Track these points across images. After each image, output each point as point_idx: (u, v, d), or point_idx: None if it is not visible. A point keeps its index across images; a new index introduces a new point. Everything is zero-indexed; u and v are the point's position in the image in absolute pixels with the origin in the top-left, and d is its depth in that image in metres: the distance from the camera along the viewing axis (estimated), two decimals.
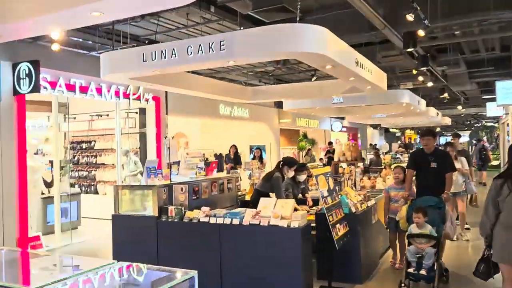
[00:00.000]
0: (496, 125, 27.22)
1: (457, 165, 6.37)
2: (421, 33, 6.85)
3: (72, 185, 10.97)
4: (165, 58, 4.91)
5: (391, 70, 12.12)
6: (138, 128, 10.38)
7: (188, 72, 9.77)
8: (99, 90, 8.57)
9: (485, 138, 26.84)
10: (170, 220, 5.14)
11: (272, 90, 8.40)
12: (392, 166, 10.73)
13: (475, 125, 29.28)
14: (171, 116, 10.86)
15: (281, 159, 6.26)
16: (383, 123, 20.26)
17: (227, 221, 4.81)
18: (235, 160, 9.87)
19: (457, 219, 7.61)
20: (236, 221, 4.77)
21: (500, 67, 13.08)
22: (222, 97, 8.07)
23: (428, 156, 5.21)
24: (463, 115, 21.76)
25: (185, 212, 5.17)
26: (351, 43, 6.99)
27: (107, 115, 10.57)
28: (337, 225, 4.89)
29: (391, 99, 9.50)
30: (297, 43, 4.35)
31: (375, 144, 22.71)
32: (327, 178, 5.15)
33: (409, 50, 7.71)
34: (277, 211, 4.64)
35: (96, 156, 10.94)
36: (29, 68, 6.97)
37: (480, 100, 19.25)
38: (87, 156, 11.11)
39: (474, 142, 24.09)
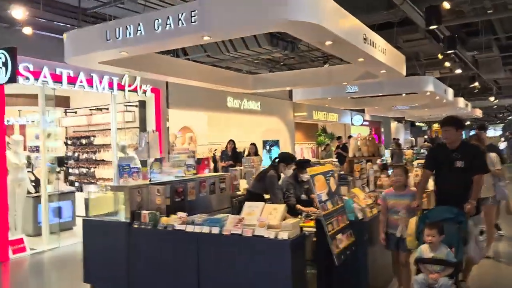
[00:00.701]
0: None
1: None
2: (446, 5, 5.83)
3: (72, 183, 10.52)
4: (130, 35, 4.14)
5: (415, 57, 11.03)
6: (137, 123, 9.75)
7: (187, 59, 9.09)
8: (89, 81, 7.93)
9: None
10: (143, 226, 4.40)
11: (275, 78, 7.55)
12: (415, 163, 9.72)
13: (509, 117, 27.37)
14: (173, 109, 10.16)
15: (277, 155, 5.39)
16: (407, 116, 18.99)
17: (206, 229, 4.03)
18: (233, 157, 9.00)
19: (498, 229, 6.61)
20: (215, 230, 3.98)
21: None
22: (219, 86, 7.28)
23: (453, 152, 4.04)
24: (495, 106, 20.19)
25: (160, 217, 4.42)
26: (367, 24, 6.12)
27: (107, 109, 9.99)
28: (339, 236, 4.02)
29: (413, 87, 8.45)
30: (286, 10, 3.48)
31: (398, 139, 21.52)
32: (327, 178, 4.28)
33: (432, 27, 6.68)
34: (264, 219, 3.82)
35: (95, 153, 10.37)
36: (5, 56, 6.37)
37: None
38: (87, 153, 10.56)
39: (507, 135, 22.46)
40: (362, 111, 18.04)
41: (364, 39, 4.73)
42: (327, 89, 9.01)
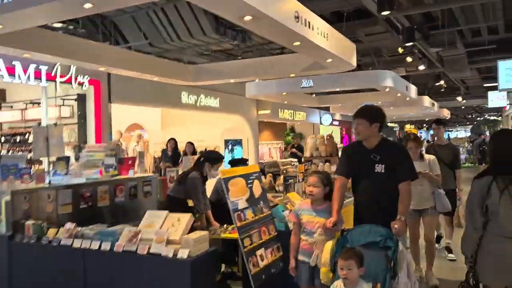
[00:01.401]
0: (499, 118, 25.48)
1: (422, 167, 4.20)
2: None
3: None
4: None
5: (377, 53, 10.51)
6: (76, 118, 8.86)
7: (128, 48, 8.25)
8: (10, 70, 7.02)
9: (487, 133, 25.08)
10: (25, 241, 3.59)
11: (218, 68, 6.84)
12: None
13: (477, 118, 27.49)
14: (117, 104, 9.28)
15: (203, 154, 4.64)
16: None
17: (95, 244, 3.26)
18: (173, 157, 8.13)
19: (437, 240, 5.49)
20: (106, 245, 3.22)
21: (503, 50, 11.44)
22: (156, 77, 6.50)
23: (371, 153, 3.07)
24: (463, 107, 20.07)
25: (47, 229, 3.62)
26: (318, 13, 5.50)
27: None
28: (260, 251, 3.32)
29: (370, 81, 7.88)
30: None
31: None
32: (250, 181, 3.58)
33: (385, 13, 6.09)
34: (162, 232, 3.09)
35: (31, 151, 9.40)
36: None
37: (482, 90, 17.55)
38: (22, 151, 9.57)
39: (472, 136, 22.45)
40: (326, 109, 17.47)
41: (296, 17, 4.06)
42: (282, 84, 8.36)
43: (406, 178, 3.03)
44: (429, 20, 9.71)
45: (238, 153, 14.46)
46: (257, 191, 3.62)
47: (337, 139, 24.95)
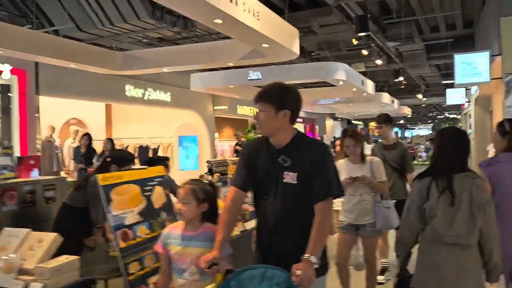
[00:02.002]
0: (458, 117, 25.85)
1: (362, 171, 3.44)
2: None
3: None
4: None
5: (334, 46, 10.01)
6: None
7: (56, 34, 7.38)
8: None
9: None
10: None
11: (148, 55, 6.11)
12: None
13: (438, 117, 27.85)
14: (48, 96, 8.35)
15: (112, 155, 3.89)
16: (338, 112, 18.31)
17: None
18: (87, 156, 6.99)
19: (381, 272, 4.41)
20: None
21: (461, 46, 11.24)
22: (80, 65, 5.69)
23: (279, 154, 2.09)
24: (424, 105, 20.08)
25: None
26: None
27: None
28: (153, 278, 2.65)
29: (321, 74, 7.31)
30: None
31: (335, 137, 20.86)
32: (148, 188, 2.89)
33: None
34: (15, 258, 2.35)
35: None
36: None
37: (441, 88, 17.53)
38: None
39: (429, 136, 22.62)
40: None
41: None
42: (228, 76, 7.71)
43: (323, 196, 1.97)
44: (386, 13, 9.30)
45: (193, 151, 13.70)
46: (158, 200, 2.94)
47: None
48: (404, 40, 9.33)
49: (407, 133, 48.32)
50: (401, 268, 2.52)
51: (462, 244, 2.24)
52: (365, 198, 3.48)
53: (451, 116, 26.56)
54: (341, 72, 7.16)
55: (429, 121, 36.54)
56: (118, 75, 8.22)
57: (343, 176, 3.31)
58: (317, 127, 25.25)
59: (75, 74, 7.99)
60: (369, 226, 3.48)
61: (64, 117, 9.79)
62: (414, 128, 49.22)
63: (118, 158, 3.69)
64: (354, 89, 8.12)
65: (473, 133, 12.43)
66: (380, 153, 4.37)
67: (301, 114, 21.15)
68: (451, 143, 2.37)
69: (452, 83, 15.29)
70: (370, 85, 9.19)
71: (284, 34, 4.83)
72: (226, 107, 13.97)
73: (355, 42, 7.95)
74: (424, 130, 44.46)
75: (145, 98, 10.96)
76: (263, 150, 2.13)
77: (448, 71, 13.94)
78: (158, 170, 3.10)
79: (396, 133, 37.61)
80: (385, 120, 4.45)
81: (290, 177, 2.03)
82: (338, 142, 4.78)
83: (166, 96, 11.76)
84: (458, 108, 23.57)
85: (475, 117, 12.31)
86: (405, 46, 10.58)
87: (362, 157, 3.55)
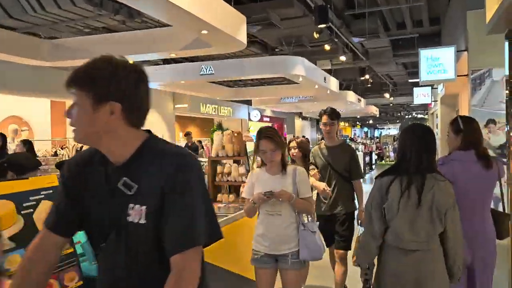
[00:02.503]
0: (426, 116, 26.07)
1: (281, 184, 2.69)
2: None
3: None
4: None
5: (297, 42, 9.53)
6: None
7: None
8: None
9: None
10: None
11: (80, 44, 5.40)
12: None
13: (406, 117, 28.02)
14: None
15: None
16: (305, 112, 17.93)
17: None
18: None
19: None
20: None
21: (428, 43, 11.00)
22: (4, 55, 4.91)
23: (118, 176, 1.26)
24: (391, 105, 20.02)
25: None
26: None
27: None
28: None
29: (278, 68, 6.76)
30: None
31: (296, 137, 20.50)
32: (28, 203, 2.23)
33: None
34: None
35: None
36: None
37: (409, 87, 17.45)
38: None
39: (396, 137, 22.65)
40: (247, 103, 16.40)
41: None
42: (178, 71, 7.07)
43: (180, 244, 1.19)
44: (350, 6, 8.89)
45: None
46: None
47: None
48: (369, 36, 8.94)
49: (377, 133, 48.89)
50: (365, 281, 2.39)
51: (422, 250, 2.15)
52: (286, 219, 2.67)
53: (419, 116, 26.78)
54: (299, 67, 6.62)
55: (397, 121, 36.89)
56: (61, 67, 7.44)
57: (257, 190, 2.67)
58: (285, 126, 24.90)
59: (11, 67, 7.15)
60: (292, 256, 2.65)
61: (1, 115, 8.88)
62: (383, 128, 49.84)
63: (15, 164, 2.99)
64: (316, 86, 7.63)
65: (440, 133, 12.28)
66: (322, 156, 3.65)
67: (269, 113, 20.76)
68: (416, 141, 2.21)
69: (418, 82, 15.21)
70: (333, 82, 8.76)
71: (228, 21, 4.24)
72: (186, 105, 13.28)
73: (316, 36, 7.48)
74: (393, 130, 45.02)
75: None
76: (96, 169, 1.30)
77: (414, 69, 13.75)
78: (50, 179, 2.44)
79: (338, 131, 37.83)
80: (338, 115, 3.70)
81: (136, 213, 1.23)
82: (292, 143, 4.06)
83: None
84: (425, 107, 23.72)
85: (441, 116, 12.13)
86: (370, 42, 10.23)
87: (283, 166, 2.71)
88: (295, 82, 8.63)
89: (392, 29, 10.90)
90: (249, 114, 19.02)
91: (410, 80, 13.30)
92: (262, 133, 2.65)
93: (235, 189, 6.27)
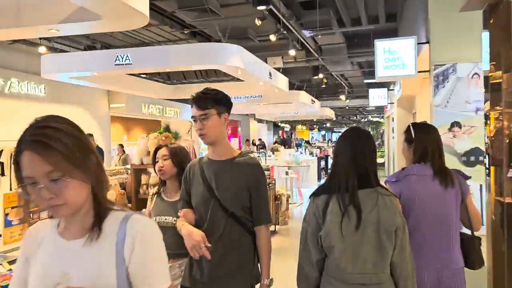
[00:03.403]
0: (381, 120, 25.86)
1: None
2: None
3: None
4: None
5: (243, 34, 8.45)
6: None
7: None
8: None
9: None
10: None
11: None
12: None
13: (362, 120, 27.74)
14: None
15: None
16: (258, 114, 16.94)
17: None
18: None
19: None
20: None
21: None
22: None
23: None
24: (347, 107, 19.45)
25: None
26: None
27: None
28: None
29: (207, 58, 5.48)
30: None
31: (250, 141, 19.58)
32: None
33: None
34: None
35: None
36: None
37: (365, 89, 16.88)
38: None
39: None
40: (183, 101, 15.12)
41: None
42: (88, 59, 5.77)
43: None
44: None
45: None
46: None
47: None
48: (322, 29, 8.01)
49: (334, 136, 48.83)
50: None
51: (371, 284, 1.77)
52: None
53: (375, 119, 26.53)
54: (236, 57, 5.41)
55: (354, 125, 36.86)
56: None
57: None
58: (239, 129, 23.81)
59: None
60: None
61: None
62: (340, 132, 49.90)
63: None
64: (261, 83, 6.57)
65: (396, 138, 11.64)
66: (201, 178, 2.10)
67: None
68: (350, 148, 1.89)
69: (377, 82, 14.57)
70: (282, 79, 7.74)
71: None
72: (123, 105, 11.86)
73: (258, 22, 6.42)
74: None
75: (6, 91, 8.58)
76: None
77: (371, 69, 13.09)
78: None
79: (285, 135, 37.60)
80: (218, 100, 2.05)
81: None
82: (162, 151, 2.73)
83: (39, 89, 9.42)
84: (381, 110, 23.41)
85: (398, 120, 11.47)
86: (324, 38, 9.33)
87: (97, 216, 1.44)
88: (240, 79, 7.56)
89: (347, 25, 10.09)
90: None
91: (366, 81, 12.62)
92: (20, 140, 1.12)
93: None
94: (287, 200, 8.41)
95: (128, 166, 6.94)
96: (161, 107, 14.52)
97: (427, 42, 5.78)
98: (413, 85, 9.52)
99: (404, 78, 5.67)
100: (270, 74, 6.55)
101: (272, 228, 7.30)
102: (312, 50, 9.79)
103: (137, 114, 13.54)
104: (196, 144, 11.59)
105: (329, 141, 36.08)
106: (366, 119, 27.03)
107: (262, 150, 15.28)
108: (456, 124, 5.41)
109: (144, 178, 6.24)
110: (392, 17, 9.92)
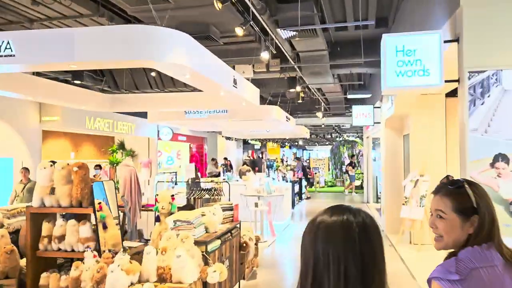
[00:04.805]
0: (357, 139, 24.53)
1: None
2: None
3: None
4: None
5: (201, 32, 6.63)
6: None
7: None
8: None
9: (345, 154, 23.81)
10: None
11: None
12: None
13: (337, 139, 26.34)
14: None
15: None
16: (225, 131, 15.09)
17: None
18: None
19: None
20: None
21: (373, 51, 8.75)
22: None
23: None
24: (323, 125, 17.95)
25: None
26: None
27: None
28: None
29: (134, 46, 3.55)
30: None
31: (215, 159, 17.71)
32: None
33: None
34: None
35: None
36: None
37: (342, 106, 15.39)
38: None
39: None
40: (140, 115, 13.14)
41: None
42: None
43: None
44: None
45: (4, 179, 9.19)
46: None
47: (185, 158, 21.03)
48: (302, 27, 6.32)
49: (305, 154, 47.41)
50: None
51: None
52: None
53: (350, 138, 25.21)
54: (179, 49, 3.40)
55: (326, 143, 35.47)
56: None
57: None
58: (206, 147, 21.84)
59: None
60: None
61: None
62: (311, 150, 48.51)
63: None
64: (222, 93, 4.78)
65: (383, 164, 10.08)
66: None
67: (185, 131, 17.60)
68: (343, 256, 1.07)
69: (359, 99, 13.01)
70: (251, 90, 5.96)
71: None
72: (57, 118, 9.74)
73: (218, 5, 4.63)
74: (322, 152, 43.53)
75: None
76: None
77: (354, 82, 11.57)
78: None
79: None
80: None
81: None
82: None
83: None
84: (358, 129, 22.02)
85: (386, 144, 9.90)
86: (303, 44, 7.66)
87: None
88: (198, 89, 5.70)
89: (331, 29, 8.49)
90: (158, 131, 15.74)
91: (349, 96, 11.05)
92: None
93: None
94: (256, 244, 6.55)
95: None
96: (111, 121, 12.42)
97: (455, 40, 4.15)
98: (408, 102, 7.98)
99: (427, 89, 3.99)
100: (235, 82, 4.78)
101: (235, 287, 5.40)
102: (288, 56, 8.09)
103: (80, 129, 11.40)
104: (141, 170, 9.44)
105: (298, 159, 34.53)
106: (341, 138, 25.66)
107: (228, 173, 13.41)
108: (502, 157, 3.75)
109: (46, 228, 4.26)
110: (383, 22, 8.41)
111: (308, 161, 27.69)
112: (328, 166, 25.28)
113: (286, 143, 36.83)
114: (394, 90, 4.37)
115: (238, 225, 5.54)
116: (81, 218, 4.26)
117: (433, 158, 8.29)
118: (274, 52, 7.77)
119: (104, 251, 4.01)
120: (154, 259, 3.92)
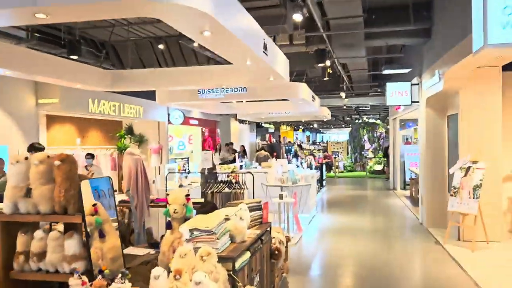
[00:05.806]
0: (378, 122, 23.17)
1: None
2: None
3: None
4: None
5: None
6: None
7: None
8: None
9: (366, 137, 22.53)
10: None
11: None
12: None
13: (356, 121, 24.94)
14: None
15: None
16: (240, 114, 13.95)
17: None
18: None
19: None
20: None
21: (417, 18, 7.48)
22: None
23: None
24: (345, 107, 16.66)
25: None
26: None
27: None
28: None
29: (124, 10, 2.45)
30: None
31: (231, 143, 16.67)
32: None
33: None
34: None
35: None
36: None
37: (366, 85, 14.09)
38: None
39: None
40: (149, 97, 12.03)
41: None
42: None
43: None
44: None
45: None
46: None
47: (197, 143, 19.98)
48: None
49: (319, 137, 45.97)
50: None
51: None
52: None
53: (371, 120, 23.81)
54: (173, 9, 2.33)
55: (343, 126, 34.06)
56: None
57: None
58: (218, 131, 20.73)
59: None
60: None
61: None
62: (325, 133, 46.96)
63: None
64: (249, 62, 3.69)
65: (423, 148, 8.89)
66: None
67: (195, 115, 16.51)
68: None
69: (390, 76, 11.69)
70: (281, 59, 4.81)
71: None
72: (56, 100, 8.69)
73: None
74: (341, 135, 41.71)
75: None
76: None
77: (392, 55, 10.22)
78: None
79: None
80: None
81: None
82: None
83: None
84: (380, 110, 20.63)
85: (427, 126, 8.67)
86: (337, 7, 6.42)
87: None
88: (217, 60, 4.53)
89: None
90: (168, 115, 14.66)
91: (385, 72, 9.79)
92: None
93: None
94: (286, 246, 5.49)
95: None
96: (117, 103, 11.36)
97: None
98: (462, 76, 6.75)
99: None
100: (265, 47, 3.64)
101: None
102: (318, 25, 6.87)
103: (82, 113, 10.37)
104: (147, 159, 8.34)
105: (314, 143, 33.37)
106: (361, 120, 24.28)
107: (245, 160, 12.35)
108: None
109: (22, 241, 3.24)
110: None
111: (325, 144, 26.42)
112: (347, 150, 24.06)
113: (300, 126, 35.54)
114: (499, 50, 3.18)
115: (268, 229, 4.47)
116: (68, 228, 3.22)
117: (487, 142, 7.10)
118: (305, 14, 6.52)
119: (97, 274, 2.98)
120: (164, 287, 2.88)
